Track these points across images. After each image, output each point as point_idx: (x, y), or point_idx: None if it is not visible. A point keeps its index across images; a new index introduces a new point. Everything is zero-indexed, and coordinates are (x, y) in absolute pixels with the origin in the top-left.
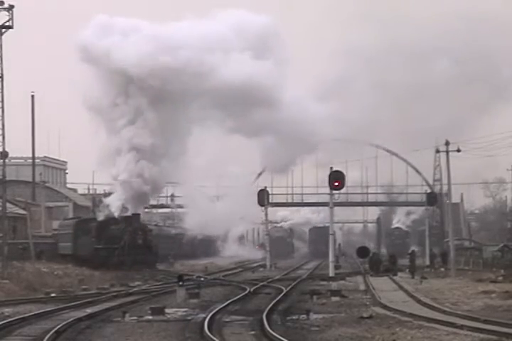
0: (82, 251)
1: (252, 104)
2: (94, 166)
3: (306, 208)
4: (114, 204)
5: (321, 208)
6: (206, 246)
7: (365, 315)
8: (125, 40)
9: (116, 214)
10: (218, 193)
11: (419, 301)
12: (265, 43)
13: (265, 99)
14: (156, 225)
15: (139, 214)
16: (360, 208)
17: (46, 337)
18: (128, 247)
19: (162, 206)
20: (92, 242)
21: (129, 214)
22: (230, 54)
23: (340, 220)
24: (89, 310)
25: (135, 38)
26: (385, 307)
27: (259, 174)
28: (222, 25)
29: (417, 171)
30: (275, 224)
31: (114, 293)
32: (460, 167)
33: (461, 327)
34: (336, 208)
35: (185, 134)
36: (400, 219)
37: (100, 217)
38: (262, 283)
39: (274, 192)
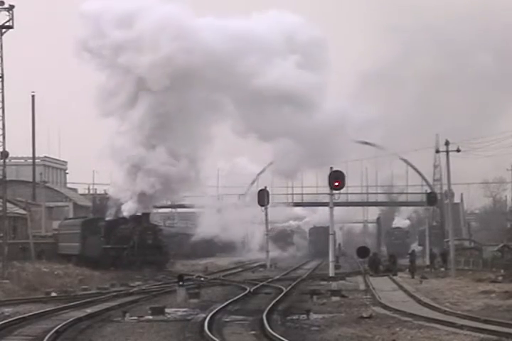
0: (91, 252)
1: (279, 108)
2: (99, 155)
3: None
4: (126, 205)
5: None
6: (216, 246)
7: (365, 314)
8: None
9: (125, 213)
10: (219, 193)
11: (419, 301)
12: (310, 51)
13: (298, 103)
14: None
15: (148, 214)
16: (360, 208)
17: (46, 337)
18: (138, 247)
19: (162, 206)
20: (101, 242)
21: (138, 213)
22: (269, 56)
23: (350, 220)
24: (89, 310)
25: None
26: (385, 307)
27: (268, 165)
28: (265, 26)
29: (417, 171)
30: (276, 224)
31: (115, 293)
32: (462, 167)
33: (461, 327)
34: (343, 208)
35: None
36: (403, 218)
37: (110, 215)
38: (262, 283)
39: (274, 193)
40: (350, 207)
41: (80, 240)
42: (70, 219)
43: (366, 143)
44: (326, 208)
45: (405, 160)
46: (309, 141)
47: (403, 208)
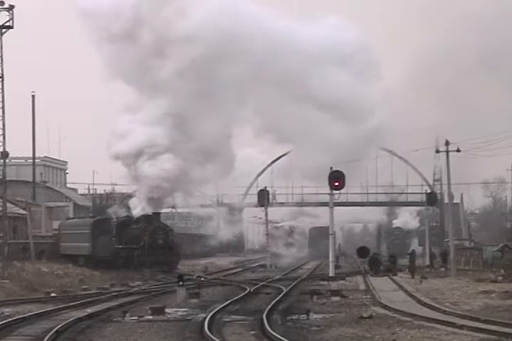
0: (102, 252)
1: (309, 112)
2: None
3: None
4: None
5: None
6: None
7: (365, 314)
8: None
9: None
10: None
11: (419, 301)
12: (360, 61)
13: (337, 111)
14: None
15: (159, 213)
16: (363, 208)
17: (46, 337)
18: (148, 247)
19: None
20: (112, 242)
21: (149, 213)
22: (315, 62)
23: (355, 220)
24: (89, 310)
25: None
26: (385, 307)
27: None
28: (315, 32)
29: (418, 171)
30: (275, 224)
31: (115, 293)
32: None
33: (461, 327)
34: (346, 208)
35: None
36: (411, 216)
37: (115, 213)
38: (262, 283)
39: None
40: (355, 208)
41: (90, 240)
42: (73, 218)
43: (389, 151)
44: (335, 208)
45: (405, 160)
46: (333, 147)
47: (402, 208)
